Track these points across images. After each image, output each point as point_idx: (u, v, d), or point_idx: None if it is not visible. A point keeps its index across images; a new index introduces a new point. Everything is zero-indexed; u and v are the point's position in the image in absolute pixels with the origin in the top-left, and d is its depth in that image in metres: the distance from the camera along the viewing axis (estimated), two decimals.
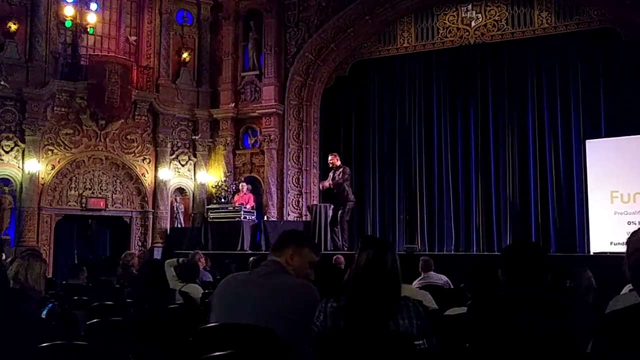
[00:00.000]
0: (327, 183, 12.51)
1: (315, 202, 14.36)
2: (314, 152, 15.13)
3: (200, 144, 15.54)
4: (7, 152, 13.53)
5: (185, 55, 15.59)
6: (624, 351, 1.91)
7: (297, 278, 2.84)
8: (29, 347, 2.72)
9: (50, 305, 3.80)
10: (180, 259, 6.58)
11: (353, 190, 13.03)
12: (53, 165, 14.03)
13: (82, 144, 14.33)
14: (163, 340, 4.03)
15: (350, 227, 13.41)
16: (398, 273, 2.63)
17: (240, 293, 2.81)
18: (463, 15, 14.17)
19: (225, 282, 2.99)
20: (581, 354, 2.37)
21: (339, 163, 12.50)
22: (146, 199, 14.91)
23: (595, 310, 3.81)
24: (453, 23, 14.25)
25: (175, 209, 15.23)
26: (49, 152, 13.99)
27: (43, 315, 3.71)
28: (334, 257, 8.31)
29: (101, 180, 14.63)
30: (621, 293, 3.59)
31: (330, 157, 12.68)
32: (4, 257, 8.09)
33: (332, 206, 12.54)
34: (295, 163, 15.02)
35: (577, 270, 5.05)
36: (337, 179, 12.20)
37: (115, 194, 14.74)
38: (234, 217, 13.62)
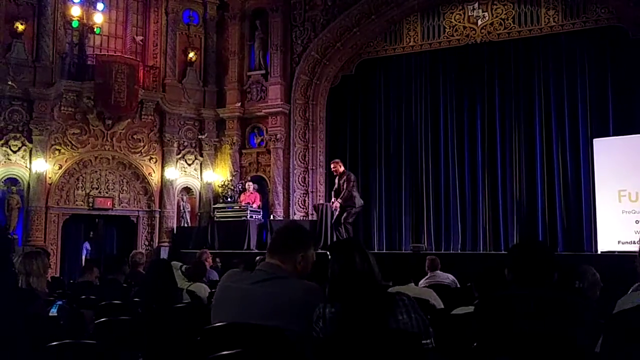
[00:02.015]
0: (336, 203, 11.50)
1: (321, 202, 14.36)
2: (320, 151, 15.12)
3: (206, 144, 15.58)
4: (14, 152, 13.60)
5: (191, 54, 15.62)
6: (633, 350, 1.91)
7: (300, 279, 2.75)
8: (38, 346, 2.73)
9: (59, 302, 3.82)
10: (184, 267, 6.61)
11: (360, 191, 12.64)
12: (60, 164, 14.09)
13: (89, 143, 14.39)
14: (171, 339, 4.04)
15: (357, 227, 13.34)
16: (372, 267, 2.65)
17: (239, 304, 2.69)
18: (469, 13, 14.13)
19: (223, 287, 2.82)
20: (590, 353, 2.37)
21: (342, 169, 11.62)
22: (153, 198, 14.96)
23: (602, 307, 3.80)
24: (459, 22, 14.22)
25: (181, 208, 15.27)
26: (56, 152, 14.05)
27: (54, 313, 3.73)
28: None
29: (108, 180, 14.69)
30: (629, 292, 3.57)
31: (332, 165, 11.75)
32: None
33: (337, 208, 12.11)
34: (301, 162, 15.02)
35: (581, 268, 5.04)
36: (342, 190, 11.42)
37: (122, 193, 14.80)
38: (241, 217, 13.66)
